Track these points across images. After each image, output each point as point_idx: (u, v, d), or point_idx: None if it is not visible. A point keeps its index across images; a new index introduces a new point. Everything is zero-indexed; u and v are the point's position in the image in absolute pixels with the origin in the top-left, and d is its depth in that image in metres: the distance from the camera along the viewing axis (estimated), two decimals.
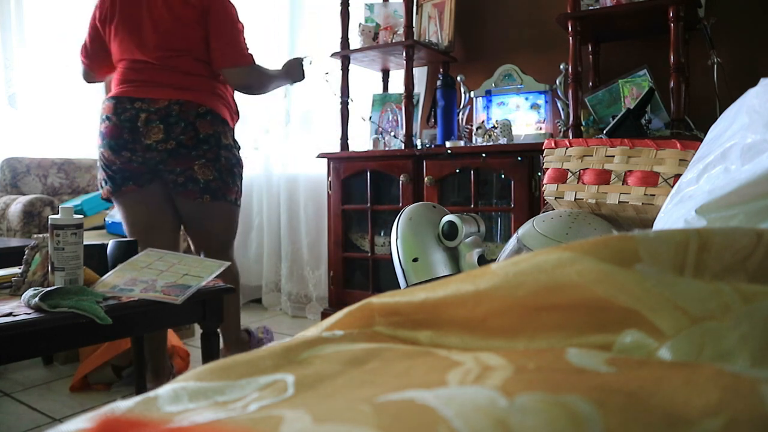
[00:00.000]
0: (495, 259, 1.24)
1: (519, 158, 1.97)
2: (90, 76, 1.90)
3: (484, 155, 2.03)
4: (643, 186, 1.09)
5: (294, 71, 1.96)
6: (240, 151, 1.86)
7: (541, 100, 2.24)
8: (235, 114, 1.88)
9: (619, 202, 1.11)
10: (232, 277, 1.88)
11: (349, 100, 2.46)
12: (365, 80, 2.72)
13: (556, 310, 0.37)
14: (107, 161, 1.70)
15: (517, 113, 2.27)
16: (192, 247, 1.89)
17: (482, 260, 1.26)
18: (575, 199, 1.17)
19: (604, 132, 1.59)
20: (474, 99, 2.36)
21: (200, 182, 1.71)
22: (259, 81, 1.82)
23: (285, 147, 2.95)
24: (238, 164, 1.83)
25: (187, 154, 1.68)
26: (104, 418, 0.26)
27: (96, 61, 1.83)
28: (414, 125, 2.35)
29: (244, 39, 1.79)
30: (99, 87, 3.57)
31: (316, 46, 2.84)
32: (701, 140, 0.86)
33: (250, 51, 1.79)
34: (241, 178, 1.86)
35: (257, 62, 1.81)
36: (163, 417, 0.32)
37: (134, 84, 1.70)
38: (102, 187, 1.76)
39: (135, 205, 1.74)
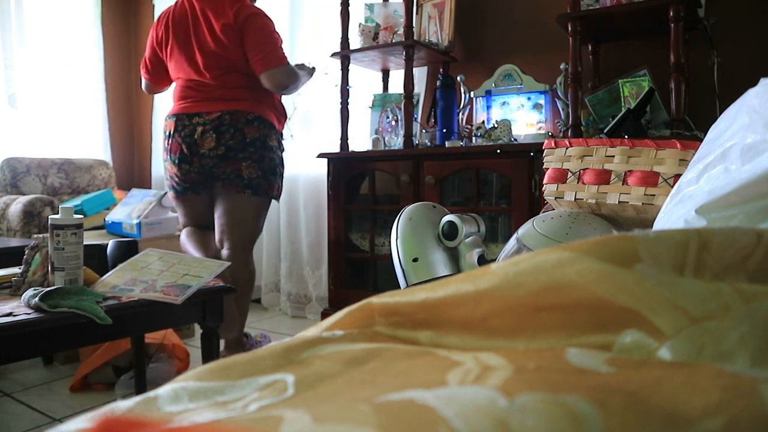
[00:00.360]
0: (495, 259, 1.24)
1: (497, 151, 2.01)
2: (151, 88, 2.18)
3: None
4: (643, 186, 1.08)
5: (305, 69, 2.12)
6: (284, 153, 2.09)
7: (542, 100, 2.24)
8: (282, 116, 2.07)
9: (619, 202, 1.11)
10: (248, 277, 1.96)
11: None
12: (365, 80, 2.71)
13: (556, 310, 0.37)
14: (171, 174, 1.99)
15: (518, 113, 2.27)
16: (217, 240, 2.03)
17: (482, 260, 1.26)
18: (575, 199, 1.17)
19: (604, 132, 1.59)
20: (474, 99, 2.35)
21: (244, 179, 1.93)
22: (293, 81, 1.96)
23: (285, 147, 2.95)
24: (281, 164, 2.06)
25: (235, 157, 1.91)
26: (104, 418, 0.26)
27: (156, 76, 2.10)
28: (414, 125, 2.35)
29: (281, 46, 1.94)
30: (99, 88, 3.57)
31: (316, 46, 2.84)
32: (701, 140, 0.85)
33: (284, 54, 1.93)
34: (282, 177, 2.08)
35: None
36: (163, 417, 0.32)
37: (190, 101, 1.94)
38: (168, 191, 2.08)
39: (189, 206, 2.06)
